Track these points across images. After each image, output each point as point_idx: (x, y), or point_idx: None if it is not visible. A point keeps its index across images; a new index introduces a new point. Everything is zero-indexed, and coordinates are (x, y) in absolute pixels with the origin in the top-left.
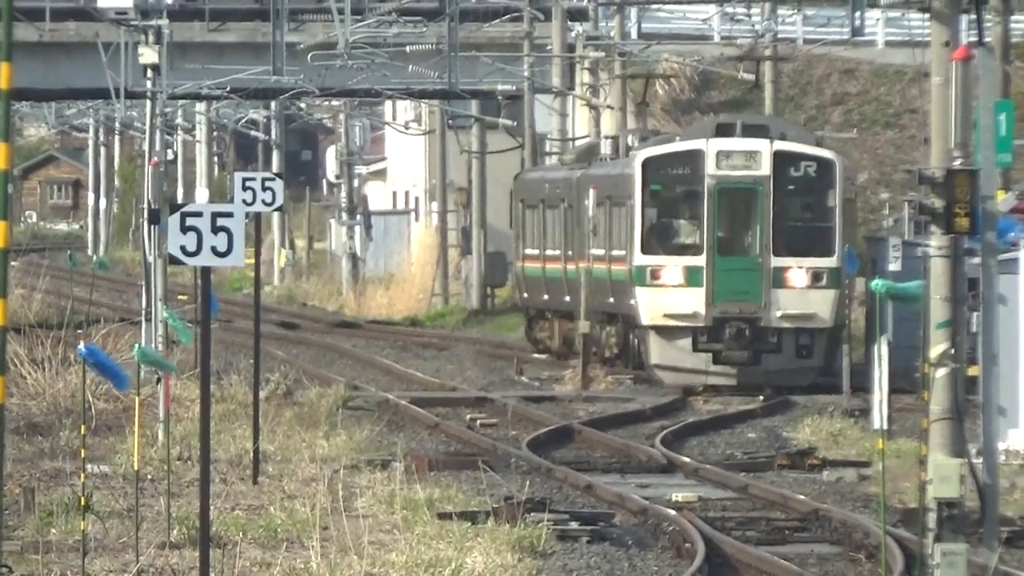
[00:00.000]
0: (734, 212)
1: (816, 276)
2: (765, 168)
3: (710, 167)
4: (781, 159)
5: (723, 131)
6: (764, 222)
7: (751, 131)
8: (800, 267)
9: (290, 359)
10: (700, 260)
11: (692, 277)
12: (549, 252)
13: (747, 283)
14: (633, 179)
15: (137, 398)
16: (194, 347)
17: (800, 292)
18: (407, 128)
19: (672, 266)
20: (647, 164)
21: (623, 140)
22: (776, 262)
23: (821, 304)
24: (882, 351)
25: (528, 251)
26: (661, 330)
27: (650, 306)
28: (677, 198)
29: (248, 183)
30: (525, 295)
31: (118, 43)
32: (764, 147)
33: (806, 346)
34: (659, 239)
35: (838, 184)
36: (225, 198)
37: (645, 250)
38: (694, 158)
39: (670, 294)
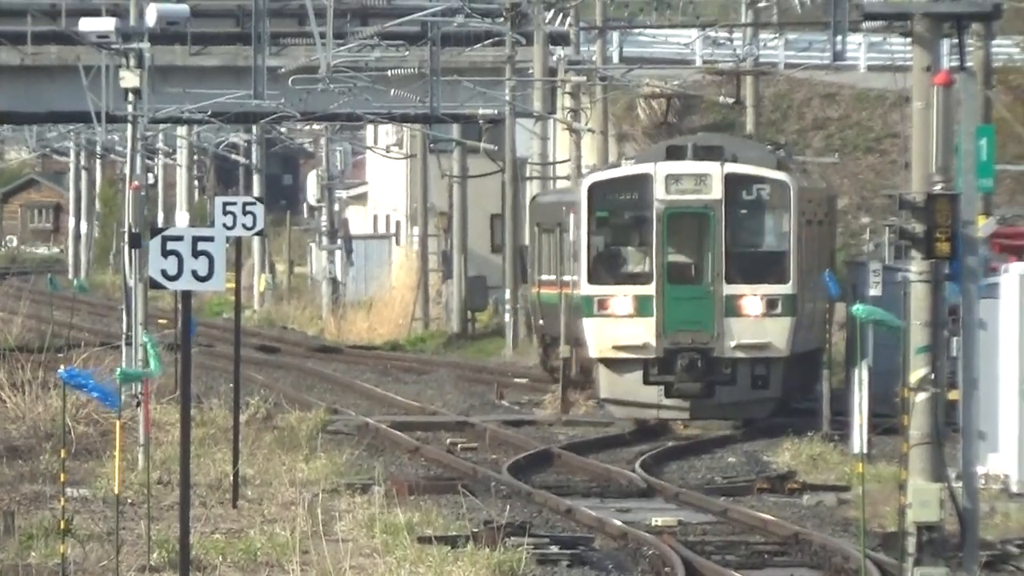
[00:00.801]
0: (685, 238)
1: (771, 304)
2: (716, 192)
3: (659, 192)
4: (733, 182)
5: (674, 154)
6: (716, 248)
7: (704, 153)
8: (754, 294)
9: (270, 383)
10: (650, 289)
11: (642, 307)
12: (567, 278)
13: (699, 312)
14: (579, 205)
15: (118, 421)
16: (174, 371)
17: (754, 320)
18: (388, 152)
19: (621, 296)
20: (593, 190)
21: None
22: (729, 290)
23: (776, 333)
24: (862, 376)
25: (544, 277)
26: (611, 362)
27: (599, 338)
28: (625, 224)
29: (229, 207)
30: (541, 322)
31: (99, 67)
32: (715, 170)
33: (762, 377)
34: (607, 268)
35: (793, 207)
36: (206, 222)
37: (592, 279)
38: (642, 182)
39: (619, 325)
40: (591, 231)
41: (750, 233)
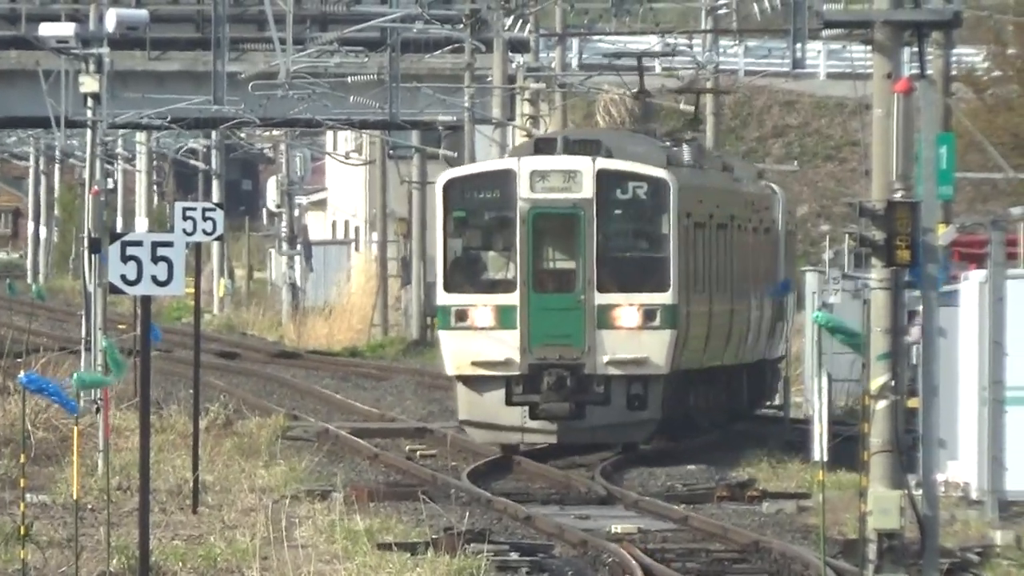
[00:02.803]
0: (552, 242)
1: (648, 315)
2: (587, 190)
3: (523, 190)
4: (606, 179)
5: (542, 148)
6: (587, 253)
7: (576, 147)
8: (630, 304)
9: (230, 389)
10: (513, 298)
11: (504, 318)
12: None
13: (568, 324)
14: (435, 205)
15: (76, 427)
16: (134, 377)
17: (630, 333)
18: (348, 158)
19: (481, 306)
20: (449, 187)
21: None
22: (602, 299)
23: (655, 347)
24: (822, 384)
25: None
26: (470, 380)
27: (456, 353)
28: (486, 226)
29: (188, 213)
30: None
31: (59, 72)
32: (586, 166)
33: (639, 396)
34: (465, 274)
35: (673, 207)
36: (165, 227)
37: (449, 287)
38: (505, 180)
39: (479, 338)
40: (448, 233)
41: (626, 236)
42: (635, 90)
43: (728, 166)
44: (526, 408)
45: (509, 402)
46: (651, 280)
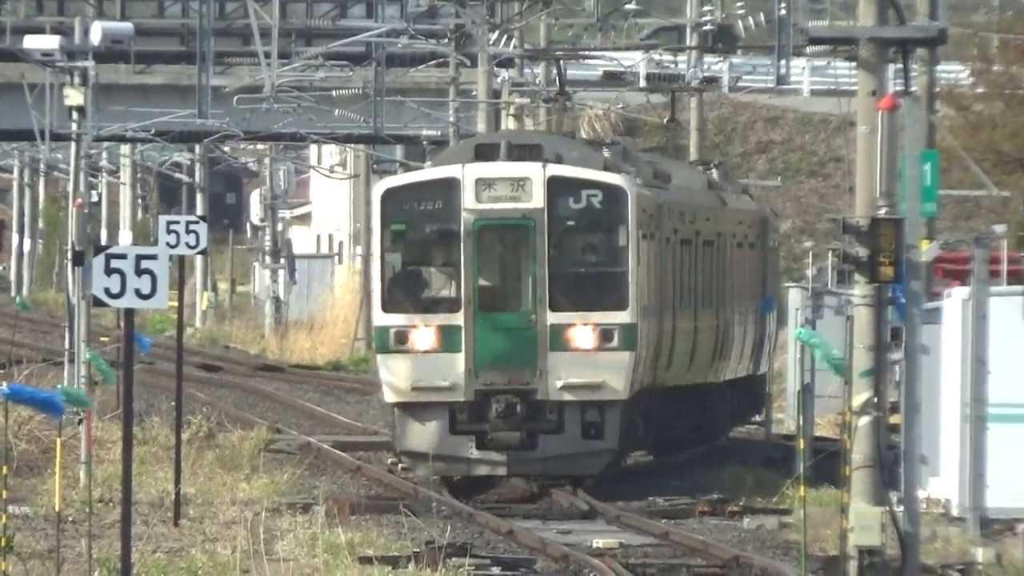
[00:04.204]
0: (500, 256)
1: (605, 335)
2: (538, 199)
3: (468, 200)
4: (557, 187)
5: (484, 154)
6: (538, 268)
7: (520, 153)
8: (585, 324)
9: (212, 402)
10: (457, 318)
11: (448, 340)
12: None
13: (518, 346)
14: (372, 217)
15: (59, 439)
16: (116, 389)
17: (585, 355)
18: (332, 172)
19: (422, 326)
20: (387, 197)
21: None
22: (554, 318)
23: (612, 370)
24: (805, 401)
25: None
26: (410, 407)
27: (395, 378)
28: (428, 240)
29: (172, 226)
30: None
31: (43, 84)
32: (536, 172)
33: (594, 424)
34: (405, 292)
35: (631, 218)
36: (149, 240)
37: (387, 307)
38: (447, 188)
39: (420, 362)
40: (385, 248)
41: (580, 249)
42: (665, 118)
43: (661, 173)
44: (472, 438)
45: (454, 431)
46: (608, 297)
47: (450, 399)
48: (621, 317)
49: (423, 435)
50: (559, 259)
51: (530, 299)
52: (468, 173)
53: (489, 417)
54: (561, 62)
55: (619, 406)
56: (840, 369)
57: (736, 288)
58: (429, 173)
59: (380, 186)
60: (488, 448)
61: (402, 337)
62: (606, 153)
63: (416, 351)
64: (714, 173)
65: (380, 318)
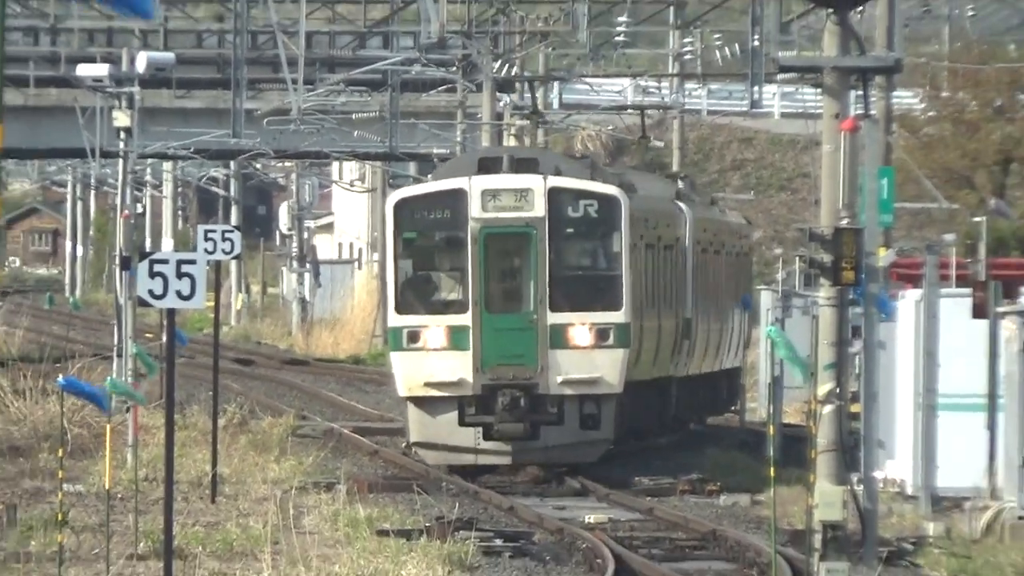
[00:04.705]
0: (504, 261)
1: (601, 334)
2: (539, 208)
3: (475, 209)
4: (557, 197)
5: (487, 167)
6: (539, 272)
7: (520, 166)
8: (582, 324)
9: (245, 392)
10: (465, 319)
11: (457, 339)
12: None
13: (521, 344)
14: (385, 226)
15: (108, 425)
16: (160, 380)
17: (583, 353)
18: (352, 186)
19: (433, 327)
20: (400, 207)
21: None
22: (554, 318)
23: (608, 366)
24: (774, 391)
25: None
26: (422, 401)
27: (408, 374)
28: (437, 246)
29: (209, 234)
30: None
31: (94, 108)
32: (537, 184)
33: (592, 416)
34: (417, 295)
35: (624, 225)
36: (188, 247)
37: (401, 309)
38: (455, 199)
39: (431, 359)
40: (398, 254)
41: (578, 254)
42: (638, 136)
43: (626, 183)
44: (479, 429)
45: (462, 423)
46: (604, 299)
47: (459, 393)
48: (616, 317)
49: (433, 426)
50: (558, 264)
51: (532, 301)
52: (475, 185)
53: (495, 410)
54: (534, 86)
55: (614, 399)
56: (796, 364)
57: (701, 290)
58: (438, 185)
59: (392, 197)
60: (494, 439)
61: (414, 336)
62: (589, 162)
63: (427, 349)
64: (680, 185)
65: (394, 319)
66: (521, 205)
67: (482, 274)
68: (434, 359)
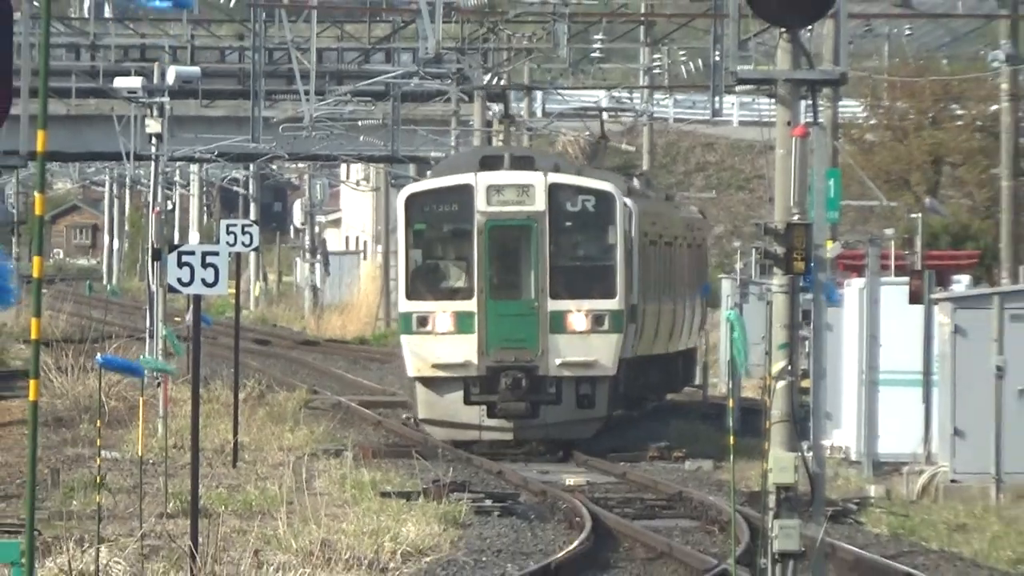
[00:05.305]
0: (507, 251)
1: (597, 319)
2: (540, 203)
3: (480, 203)
4: (557, 192)
5: (490, 164)
6: (540, 262)
7: (520, 163)
8: (579, 310)
9: (263, 369)
10: (471, 305)
11: (463, 323)
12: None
13: (523, 329)
14: (397, 218)
15: (141, 398)
16: (186, 358)
17: (580, 337)
18: (358, 186)
19: (441, 312)
20: (411, 201)
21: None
22: (554, 305)
23: (603, 350)
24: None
25: None
26: (429, 381)
27: (417, 356)
28: (445, 237)
29: (231, 228)
30: None
31: (129, 116)
32: (538, 180)
33: (587, 396)
34: (426, 283)
35: (618, 219)
36: (212, 240)
37: (411, 295)
38: (463, 193)
39: (439, 342)
40: (408, 244)
41: (575, 246)
42: (596, 135)
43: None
44: (484, 407)
45: (468, 402)
46: (599, 287)
47: (464, 374)
48: (610, 304)
49: (441, 405)
50: (558, 254)
51: (533, 288)
52: (480, 180)
53: (498, 390)
54: (508, 95)
55: (608, 380)
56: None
57: (648, 277)
58: (446, 180)
59: (404, 192)
60: (497, 416)
61: (423, 321)
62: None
63: (435, 333)
64: (635, 182)
65: (404, 305)
66: (523, 199)
67: (487, 263)
68: (442, 342)
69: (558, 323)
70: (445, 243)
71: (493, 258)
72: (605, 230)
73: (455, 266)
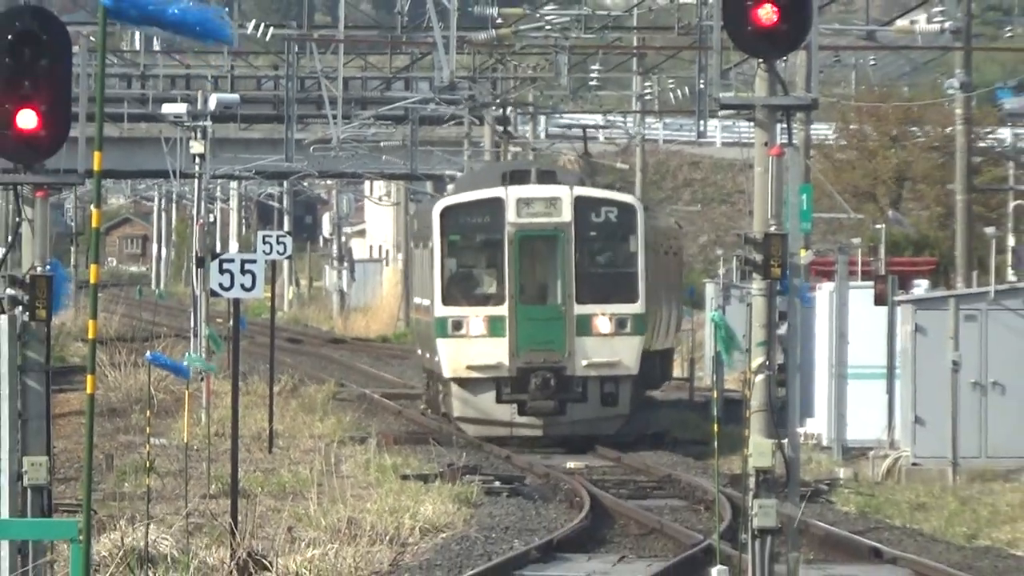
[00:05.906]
0: (536, 260)
1: (620, 323)
2: (566, 214)
3: (510, 215)
4: (582, 205)
5: (517, 178)
6: (567, 270)
7: (545, 177)
8: (604, 314)
9: (295, 364)
10: (503, 310)
11: (495, 327)
12: (420, 300)
13: (551, 332)
14: (432, 229)
15: (187, 391)
16: (226, 355)
17: (604, 339)
18: (380, 200)
19: (474, 317)
20: (445, 213)
21: None
22: (580, 310)
23: (626, 351)
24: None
25: (418, 300)
26: (464, 382)
27: (452, 358)
28: (478, 247)
29: (266, 239)
30: (420, 352)
31: (175, 138)
32: (565, 193)
33: (611, 394)
34: (460, 289)
35: (640, 229)
36: (250, 249)
37: (446, 301)
38: (494, 206)
39: (473, 345)
40: (444, 254)
41: (599, 254)
42: (581, 152)
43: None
44: (515, 406)
45: (499, 401)
46: (622, 293)
47: (496, 375)
48: (632, 308)
49: (474, 404)
50: (583, 262)
51: (560, 294)
52: (511, 194)
53: (528, 389)
54: (507, 116)
55: (631, 379)
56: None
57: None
58: (479, 194)
59: (439, 204)
60: (527, 414)
61: (458, 325)
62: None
63: (469, 336)
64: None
65: (440, 310)
66: (551, 211)
67: (517, 271)
68: (475, 345)
69: (584, 326)
70: (477, 252)
71: (523, 266)
72: (627, 239)
73: (487, 274)
